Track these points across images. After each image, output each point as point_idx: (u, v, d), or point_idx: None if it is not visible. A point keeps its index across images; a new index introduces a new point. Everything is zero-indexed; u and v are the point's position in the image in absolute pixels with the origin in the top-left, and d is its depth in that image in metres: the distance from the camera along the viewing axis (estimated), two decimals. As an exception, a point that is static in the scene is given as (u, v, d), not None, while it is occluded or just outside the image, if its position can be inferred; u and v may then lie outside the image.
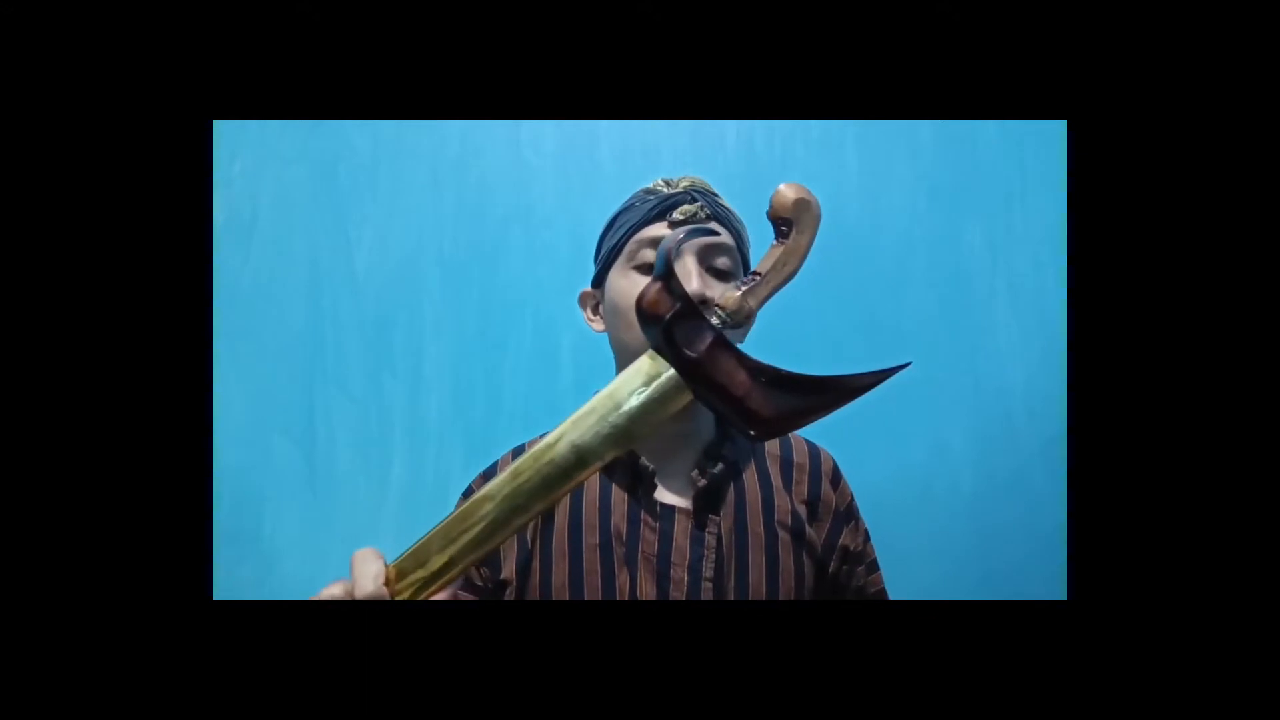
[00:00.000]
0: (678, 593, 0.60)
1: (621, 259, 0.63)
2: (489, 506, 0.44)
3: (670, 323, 0.44)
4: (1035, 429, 1.19)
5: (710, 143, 1.20)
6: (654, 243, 0.61)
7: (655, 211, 0.62)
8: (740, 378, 0.43)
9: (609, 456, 0.45)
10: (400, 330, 1.18)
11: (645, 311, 0.45)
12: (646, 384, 0.45)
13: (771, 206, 0.47)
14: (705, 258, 0.60)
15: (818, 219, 0.46)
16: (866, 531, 0.70)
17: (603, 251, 0.67)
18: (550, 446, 0.45)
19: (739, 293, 0.47)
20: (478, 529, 0.44)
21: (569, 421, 0.45)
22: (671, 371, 0.44)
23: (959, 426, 1.19)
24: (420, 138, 1.20)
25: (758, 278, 0.47)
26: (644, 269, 0.62)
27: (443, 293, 1.19)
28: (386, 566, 0.45)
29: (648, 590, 0.60)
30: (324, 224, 1.19)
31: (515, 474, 0.45)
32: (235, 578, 1.11)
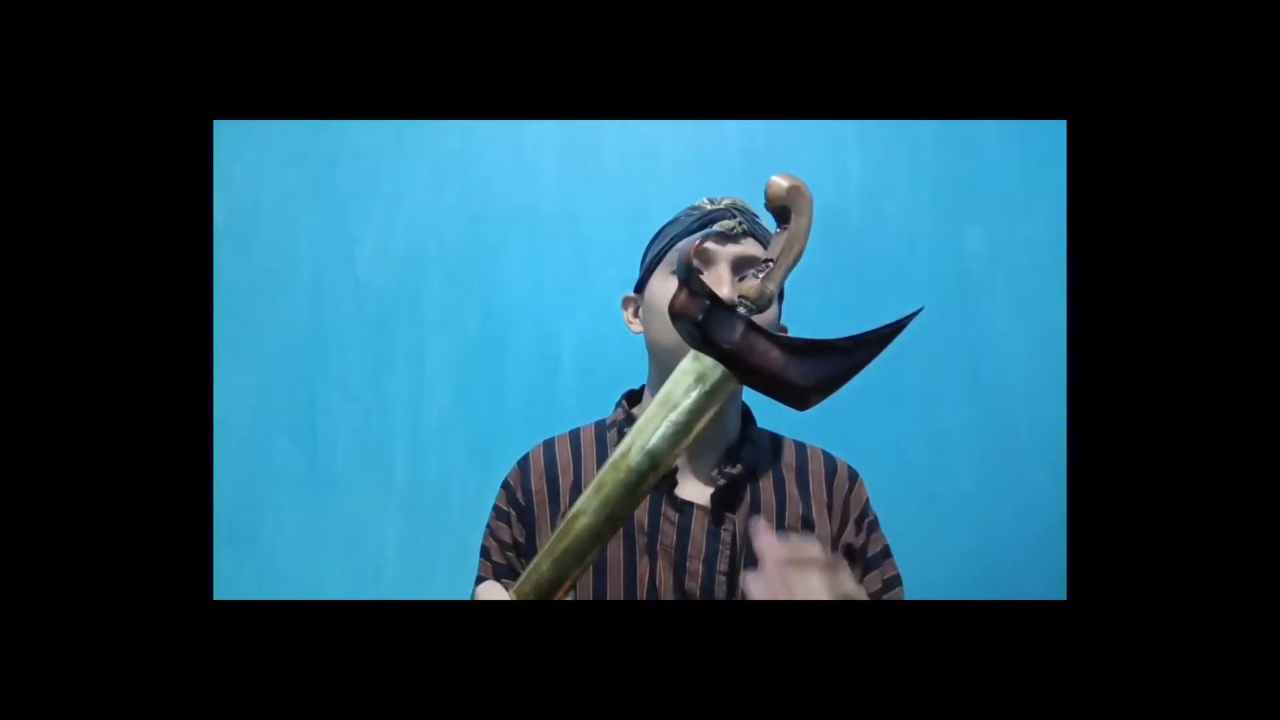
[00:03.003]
0: (693, 583, 0.63)
1: (662, 266, 0.67)
2: (585, 520, 0.48)
3: (704, 321, 0.48)
4: (1035, 429, 1.19)
5: (711, 142, 1.20)
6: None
7: (697, 225, 0.66)
8: (775, 355, 0.47)
9: (677, 455, 0.49)
10: (401, 330, 1.18)
11: (678, 314, 0.49)
12: (697, 381, 0.48)
13: (768, 198, 0.51)
14: (739, 268, 0.63)
15: (811, 201, 0.51)
16: (886, 547, 0.70)
17: (646, 260, 0.71)
18: (624, 456, 0.48)
19: (758, 280, 0.51)
20: (579, 544, 0.48)
21: (634, 431, 0.49)
22: (716, 365, 0.48)
23: (959, 427, 1.19)
24: (421, 137, 1.20)
25: (771, 264, 0.52)
26: None
27: (444, 292, 1.19)
28: (509, 592, 0.48)
29: (665, 579, 0.63)
30: (325, 224, 1.19)
31: (599, 487, 0.48)
32: (235, 578, 1.11)
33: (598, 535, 0.48)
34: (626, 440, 0.49)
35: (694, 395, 0.48)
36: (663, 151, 1.20)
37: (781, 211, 0.51)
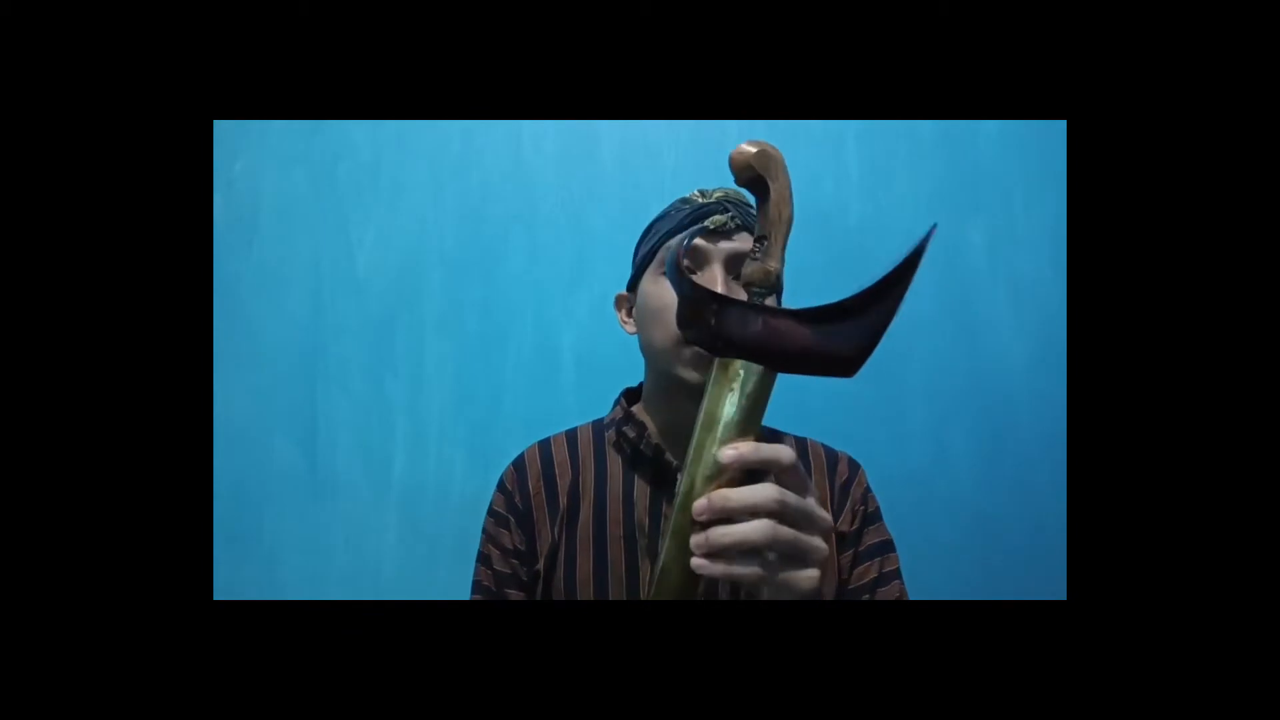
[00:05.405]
0: None
1: (653, 265, 0.65)
2: (672, 575, 0.45)
3: (717, 325, 0.45)
4: (1036, 429, 1.19)
5: (711, 143, 1.20)
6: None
7: (688, 220, 0.63)
8: (802, 333, 0.44)
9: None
10: (401, 330, 1.18)
11: (688, 326, 0.46)
12: (730, 388, 0.44)
13: (736, 171, 0.47)
14: (732, 265, 0.61)
15: (782, 162, 0.47)
16: (888, 541, 0.68)
17: (638, 258, 0.69)
18: (686, 496, 0.44)
19: (759, 261, 0.48)
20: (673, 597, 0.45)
21: (688, 464, 0.45)
22: (746, 365, 0.44)
23: (960, 426, 1.19)
24: (421, 138, 1.20)
25: (765, 241, 0.48)
26: None
27: (444, 293, 1.19)
28: None
29: None
30: (325, 224, 1.19)
31: (675, 533, 0.45)
32: (235, 578, 1.11)
33: (686, 587, 0.45)
34: (686, 479, 0.45)
35: (736, 405, 0.44)
36: (663, 151, 1.20)
37: (756, 182, 0.47)
